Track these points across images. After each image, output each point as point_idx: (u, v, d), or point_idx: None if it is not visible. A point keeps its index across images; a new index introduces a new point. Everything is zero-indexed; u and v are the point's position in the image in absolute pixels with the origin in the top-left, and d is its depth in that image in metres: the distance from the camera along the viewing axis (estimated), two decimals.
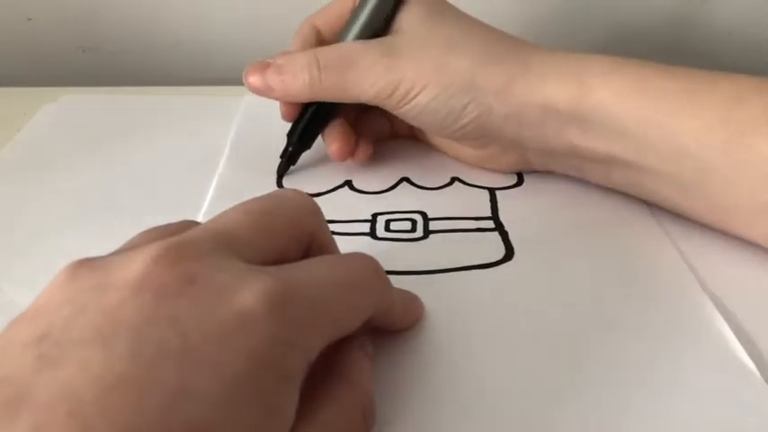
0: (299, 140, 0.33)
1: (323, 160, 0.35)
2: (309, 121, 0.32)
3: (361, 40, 0.30)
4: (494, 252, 0.28)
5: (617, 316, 0.24)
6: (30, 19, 0.49)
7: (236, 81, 0.50)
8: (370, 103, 0.30)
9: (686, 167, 0.26)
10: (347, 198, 0.32)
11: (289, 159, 0.33)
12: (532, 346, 0.23)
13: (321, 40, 0.33)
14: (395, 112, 0.31)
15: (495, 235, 0.29)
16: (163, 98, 0.42)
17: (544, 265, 0.27)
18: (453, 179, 0.33)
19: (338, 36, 0.32)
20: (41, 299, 0.15)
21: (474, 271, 0.27)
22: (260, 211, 0.18)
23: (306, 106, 0.32)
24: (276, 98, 0.32)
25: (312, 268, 0.18)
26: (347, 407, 0.17)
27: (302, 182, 0.33)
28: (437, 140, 0.35)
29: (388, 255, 0.27)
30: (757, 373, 0.22)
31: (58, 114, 0.40)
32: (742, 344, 0.23)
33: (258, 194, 0.20)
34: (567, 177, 0.34)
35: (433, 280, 0.26)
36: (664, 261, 0.27)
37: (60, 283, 0.15)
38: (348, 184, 0.33)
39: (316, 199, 0.31)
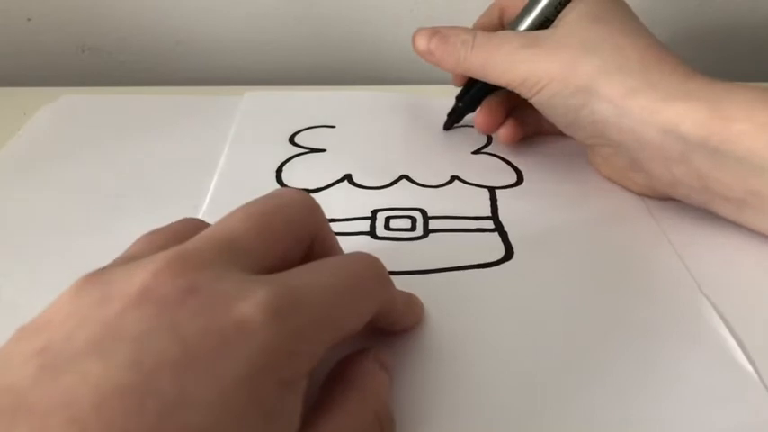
0: (464, 105, 0.37)
1: (323, 155, 0.35)
2: (477, 91, 0.36)
3: (515, 31, 0.33)
4: (493, 252, 0.28)
5: (616, 316, 0.24)
6: (30, 19, 0.49)
7: (236, 81, 0.50)
8: (507, 88, 0.32)
9: None
10: (347, 193, 0.32)
11: (455, 119, 0.38)
12: (532, 346, 0.23)
13: (503, 22, 0.36)
14: (529, 101, 0.32)
15: (495, 235, 0.29)
16: (163, 98, 0.42)
17: (544, 265, 0.27)
18: (453, 178, 0.33)
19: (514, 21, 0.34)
20: (47, 313, 0.16)
21: (474, 271, 0.27)
22: (260, 214, 0.18)
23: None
24: (433, 63, 0.34)
25: (314, 274, 0.17)
26: (356, 413, 0.17)
27: (302, 176, 0.33)
28: (587, 147, 0.35)
29: (388, 254, 0.27)
30: (753, 373, 0.22)
31: (58, 114, 0.40)
32: (738, 343, 0.23)
33: (259, 192, 0.20)
34: (566, 177, 0.34)
35: (433, 280, 0.26)
36: (662, 261, 0.28)
37: (66, 299, 0.16)
38: (348, 178, 0.33)
39: (316, 194, 0.31)
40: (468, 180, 0.33)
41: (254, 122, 0.39)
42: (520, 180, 0.34)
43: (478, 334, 0.23)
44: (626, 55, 0.29)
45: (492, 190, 0.33)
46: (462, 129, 0.39)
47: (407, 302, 0.23)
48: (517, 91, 0.32)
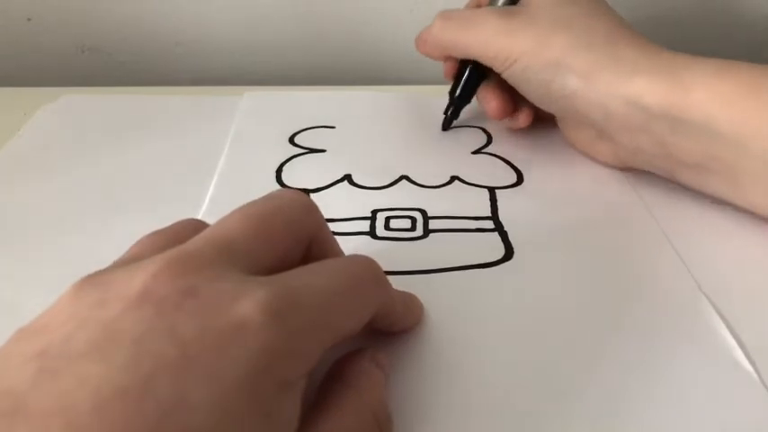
0: (460, 96, 0.37)
1: (323, 156, 0.35)
2: (467, 78, 0.36)
3: (492, 7, 0.34)
4: (493, 252, 0.28)
5: (616, 316, 0.24)
6: (30, 19, 0.49)
7: (236, 81, 0.50)
8: (480, 62, 0.34)
9: None
10: (346, 193, 0.32)
11: (452, 114, 0.38)
12: (532, 346, 0.23)
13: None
14: (502, 76, 0.33)
15: (495, 235, 0.29)
16: (162, 98, 0.42)
17: (544, 265, 0.27)
18: (453, 178, 0.33)
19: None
20: (47, 315, 0.16)
21: (474, 271, 0.27)
22: (259, 215, 0.18)
23: (463, 66, 0.36)
24: (424, 52, 0.36)
25: (312, 275, 0.17)
26: (354, 413, 0.17)
27: (302, 176, 0.33)
28: (557, 119, 0.37)
29: (388, 254, 0.27)
30: (753, 373, 0.22)
31: (58, 114, 0.40)
32: (738, 343, 0.23)
33: (259, 192, 0.20)
34: (566, 177, 0.34)
35: (433, 280, 0.26)
36: (662, 261, 0.28)
37: (66, 300, 0.16)
38: (347, 178, 0.33)
39: (316, 194, 0.31)
40: (468, 180, 0.33)
41: (253, 123, 0.39)
42: (520, 180, 0.34)
43: (478, 334, 0.23)
44: (594, 33, 0.31)
45: (492, 190, 0.33)
46: (462, 129, 0.39)
47: (406, 303, 0.23)
48: (490, 64, 0.33)
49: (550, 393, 0.21)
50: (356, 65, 0.52)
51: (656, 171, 0.32)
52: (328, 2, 0.49)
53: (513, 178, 0.34)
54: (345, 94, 0.43)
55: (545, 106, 0.34)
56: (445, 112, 0.38)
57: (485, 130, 0.39)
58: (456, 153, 0.36)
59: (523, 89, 0.33)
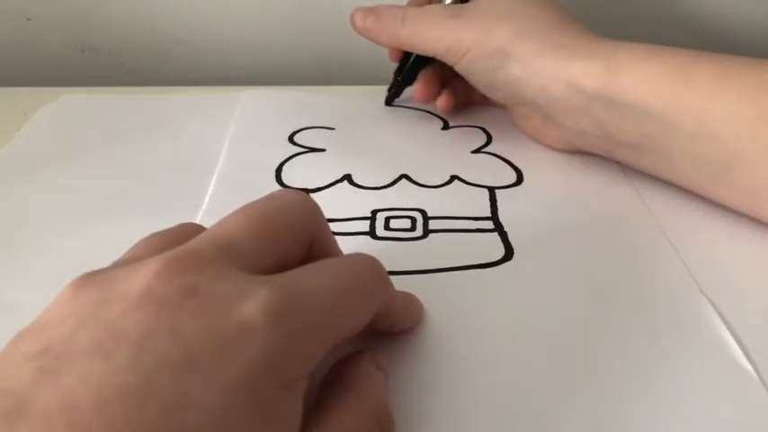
0: (404, 80, 0.40)
1: (322, 155, 0.35)
2: (412, 63, 0.39)
3: (442, 4, 0.36)
4: (493, 252, 0.28)
5: (616, 316, 0.24)
6: (30, 19, 0.49)
7: (236, 81, 0.50)
8: (435, 57, 0.35)
9: (715, 151, 0.27)
10: (346, 193, 0.32)
11: (395, 93, 0.41)
12: (532, 346, 0.23)
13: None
14: (455, 68, 0.35)
15: (495, 235, 0.29)
16: (163, 98, 0.42)
17: (544, 265, 0.27)
18: (453, 177, 0.33)
19: None
20: (46, 314, 0.16)
21: (474, 271, 0.27)
22: (260, 215, 0.18)
23: (408, 53, 0.38)
24: (370, 39, 0.37)
25: (313, 275, 0.17)
26: (355, 414, 0.17)
27: (302, 176, 0.33)
28: (508, 108, 0.38)
29: (388, 254, 0.27)
30: (753, 373, 0.22)
31: (58, 114, 0.40)
32: (738, 343, 0.23)
33: (258, 191, 0.20)
34: (566, 177, 0.34)
35: (433, 280, 0.26)
36: (662, 261, 0.28)
37: (65, 299, 0.16)
38: (347, 178, 0.33)
39: (316, 194, 0.31)
40: (467, 180, 0.33)
41: (253, 121, 0.39)
42: (520, 180, 0.34)
43: (478, 334, 0.23)
44: (537, 22, 0.33)
45: (492, 190, 0.32)
46: (462, 129, 0.39)
47: (407, 304, 0.23)
48: (444, 59, 0.35)
49: (550, 393, 0.21)
50: (356, 64, 0.52)
51: (600, 152, 0.33)
52: (329, 1, 0.49)
53: (513, 178, 0.34)
54: (345, 94, 0.43)
55: (492, 94, 0.36)
56: (389, 90, 0.41)
57: (485, 130, 0.39)
58: (456, 153, 0.36)
59: (474, 80, 0.35)
